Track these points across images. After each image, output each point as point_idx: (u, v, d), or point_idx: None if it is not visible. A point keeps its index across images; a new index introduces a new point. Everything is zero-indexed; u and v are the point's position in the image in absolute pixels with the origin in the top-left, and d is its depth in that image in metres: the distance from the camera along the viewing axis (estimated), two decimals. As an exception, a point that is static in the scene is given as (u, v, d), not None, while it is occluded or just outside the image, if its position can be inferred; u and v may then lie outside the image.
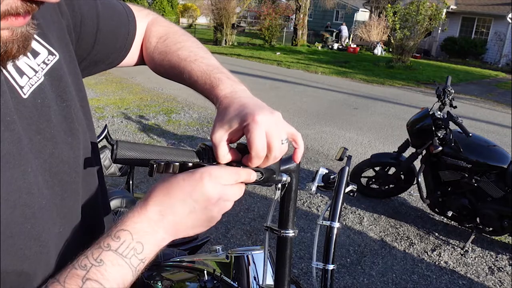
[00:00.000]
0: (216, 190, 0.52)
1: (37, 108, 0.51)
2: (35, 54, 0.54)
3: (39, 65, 0.54)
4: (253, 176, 0.58)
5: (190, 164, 0.55)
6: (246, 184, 0.59)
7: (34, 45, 0.54)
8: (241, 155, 0.60)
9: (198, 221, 0.53)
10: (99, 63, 0.74)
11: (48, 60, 0.56)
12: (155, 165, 0.51)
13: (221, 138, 0.57)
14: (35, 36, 0.54)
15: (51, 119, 0.53)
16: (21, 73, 0.51)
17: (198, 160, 0.58)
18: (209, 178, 0.52)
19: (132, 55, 0.78)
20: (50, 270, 0.52)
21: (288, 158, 0.70)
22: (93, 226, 0.65)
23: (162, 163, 0.52)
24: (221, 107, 0.61)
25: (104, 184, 0.73)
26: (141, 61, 0.81)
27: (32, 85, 0.52)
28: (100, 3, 0.70)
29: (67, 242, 0.55)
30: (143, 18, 0.79)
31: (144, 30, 0.79)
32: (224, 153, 0.57)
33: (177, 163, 0.54)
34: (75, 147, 0.58)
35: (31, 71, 0.52)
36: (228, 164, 0.59)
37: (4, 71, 0.48)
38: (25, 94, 0.50)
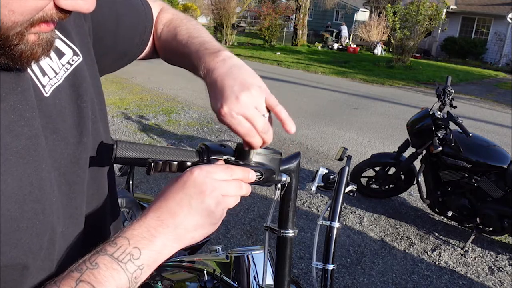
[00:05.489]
0: (207, 180, 0.52)
1: (56, 107, 0.53)
2: (60, 54, 0.55)
3: (63, 65, 0.55)
4: (252, 175, 0.57)
5: (189, 164, 0.55)
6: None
7: (60, 45, 0.55)
8: (240, 155, 0.60)
9: (198, 218, 0.51)
10: (119, 60, 0.75)
11: (73, 60, 0.57)
12: (152, 164, 0.51)
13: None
14: (62, 37, 0.55)
15: (67, 119, 0.54)
16: (43, 73, 0.52)
17: (197, 160, 0.58)
18: (200, 171, 0.52)
19: (149, 48, 0.79)
20: (50, 269, 0.52)
21: (288, 158, 0.70)
22: (98, 229, 0.65)
23: (160, 162, 0.52)
24: (207, 85, 0.62)
25: (115, 188, 0.72)
26: (154, 51, 0.80)
27: (52, 85, 0.53)
28: (119, 2, 0.70)
29: (69, 243, 0.55)
30: (155, 8, 0.80)
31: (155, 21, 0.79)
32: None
33: (175, 162, 0.54)
34: (88, 149, 0.58)
35: (52, 72, 0.53)
36: (228, 162, 0.59)
37: (29, 70, 0.50)
38: (47, 93, 0.51)
